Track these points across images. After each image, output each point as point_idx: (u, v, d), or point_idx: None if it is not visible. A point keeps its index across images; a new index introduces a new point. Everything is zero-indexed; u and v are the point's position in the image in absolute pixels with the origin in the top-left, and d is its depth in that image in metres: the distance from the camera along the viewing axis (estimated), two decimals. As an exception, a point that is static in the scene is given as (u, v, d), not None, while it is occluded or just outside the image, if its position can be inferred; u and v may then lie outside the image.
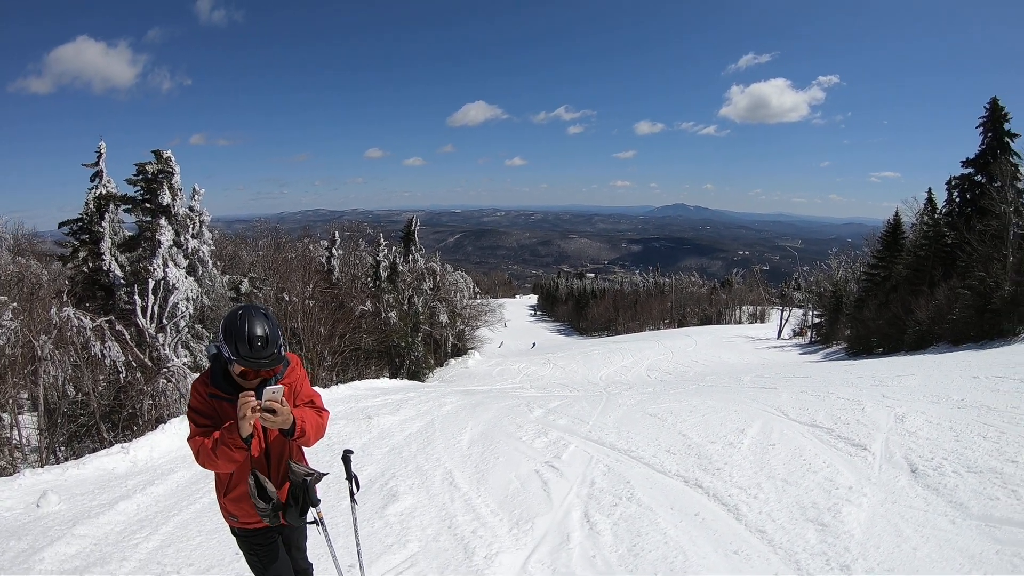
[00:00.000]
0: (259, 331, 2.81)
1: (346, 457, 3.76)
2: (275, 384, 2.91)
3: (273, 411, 2.80)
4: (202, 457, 2.89)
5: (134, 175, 20.65)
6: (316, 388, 12.28)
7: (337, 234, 36.55)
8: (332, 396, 15.80)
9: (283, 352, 2.94)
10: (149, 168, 20.57)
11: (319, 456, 7.75)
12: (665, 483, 6.21)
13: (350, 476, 3.67)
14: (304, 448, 3.36)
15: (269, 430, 3.03)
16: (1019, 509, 4.56)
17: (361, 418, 11.69)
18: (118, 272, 19.71)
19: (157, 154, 20.78)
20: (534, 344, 61.82)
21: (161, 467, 8.86)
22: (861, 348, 33.35)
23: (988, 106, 31.84)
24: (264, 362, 2.84)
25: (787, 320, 54.05)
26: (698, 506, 5.44)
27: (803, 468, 6.09)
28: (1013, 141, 31.08)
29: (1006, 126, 31.35)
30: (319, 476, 3.23)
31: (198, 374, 5.55)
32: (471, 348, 46.18)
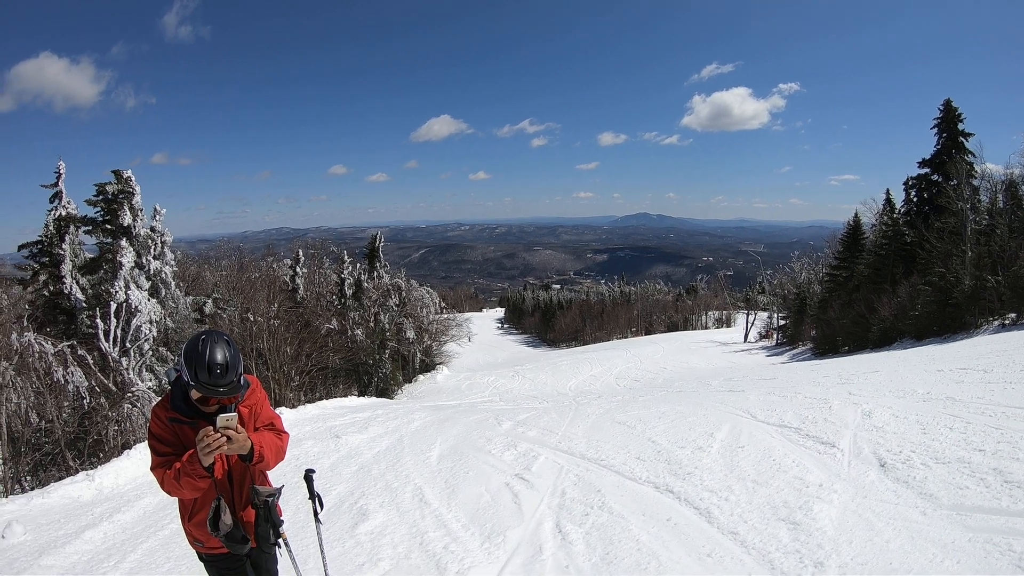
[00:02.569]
0: (219, 358, 2.82)
1: (308, 477, 3.74)
2: (233, 410, 2.93)
3: (229, 437, 2.82)
4: (167, 485, 2.91)
5: (94, 196, 20.34)
6: (283, 409, 12.10)
7: (301, 252, 36.06)
8: (300, 416, 15.64)
9: (242, 379, 2.96)
10: (109, 188, 20.26)
11: (287, 478, 7.62)
12: (636, 490, 6.18)
13: (313, 496, 3.65)
14: (267, 472, 3.35)
15: (230, 456, 3.05)
16: (988, 497, 4.64)
17: (329, 437, 11.56)
18: (80, 295, 19.22)
19: (117, 174, 20.48)
20: None
21: (127, 494, 8.76)
22: (827, 347, 34.05)
23: (942, 108, 33.11)
24: (222, 390, 2.85)
25: (753, 323, 54.84)
26: (670, 511, 5.42)
27: (773, 468, 6.12)
28: (967, 140, 32.40)
29: (960, 126, 32.65)
30: (278, 492, 3.24)
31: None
32: (439, 363, 45.95)
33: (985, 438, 5.98)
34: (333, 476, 8.54)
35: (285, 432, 3.32)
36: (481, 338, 77.31)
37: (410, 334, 40.80)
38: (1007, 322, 24.02)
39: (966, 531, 4.15)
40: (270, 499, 3.16)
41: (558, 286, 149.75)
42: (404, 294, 43.18)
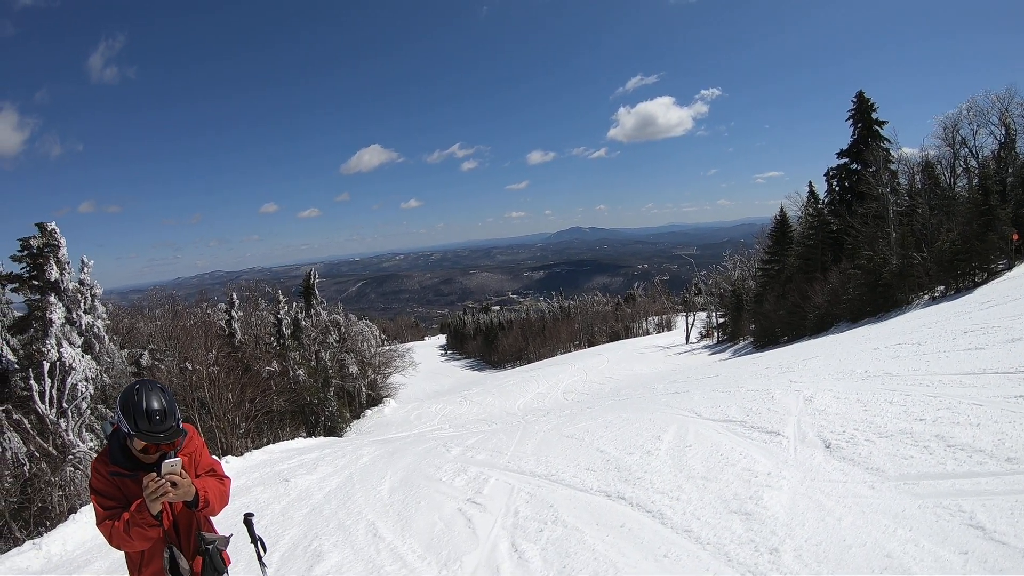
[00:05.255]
0: (156, 404, 2.89)
1: (247, 521, 3.72)
2: (174, 456, 2.96)
3: (174, 483, 2.85)
4: (116, 539, 2.91)
5: (18, 251, 19.67)
6: (230, 457, 11.82)
7: (235, 295, 35.34)
8: (246, 463, 15.53)
9: (180, 424, 3.01)
10: (34, 242, 19.62)
11: (237, 528, 7.35)
12: (588, 501, 6.16)
13: (255, 539, 3.64)
14: (212, 519, 3.40)
15: (175, 503, 3.06)
16: (933, 463, 4.77)
17: (278, 482, 11.42)
18: (11, 357, 18.55)
19: (41, 227, 19.84)
20: None
21: (77, 559, 8.66)
22: (767, 340, 35.03)
23: (855, 99, 35.21)
24: (163, 435, 2.90)
25: (693, 325, 55.86)
26: (623, 518, 5.41)
27: (721, 463, 6.16)
28: (882, 128, 34.51)
29: (874, 115, 34.71)
30: (225, 540, 3.27)
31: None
32: (386, 396, 45.54)
33: (925, 407, 6.16)
34: (285, 520, 8.40)
35: (227, 477, 3.35)
36: (425, 366, 76.73)
37: (353, 369, 40.36)
38: (936, 295, 25.27)
39: (915, 499, 4.24)
40: (211, 546, 3.16)
41: (498, 307, 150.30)
42: (343, 329, 42.84)
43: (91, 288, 21.23)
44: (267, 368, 32.38)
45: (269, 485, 11.29)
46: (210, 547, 3.15)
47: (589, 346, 73.08)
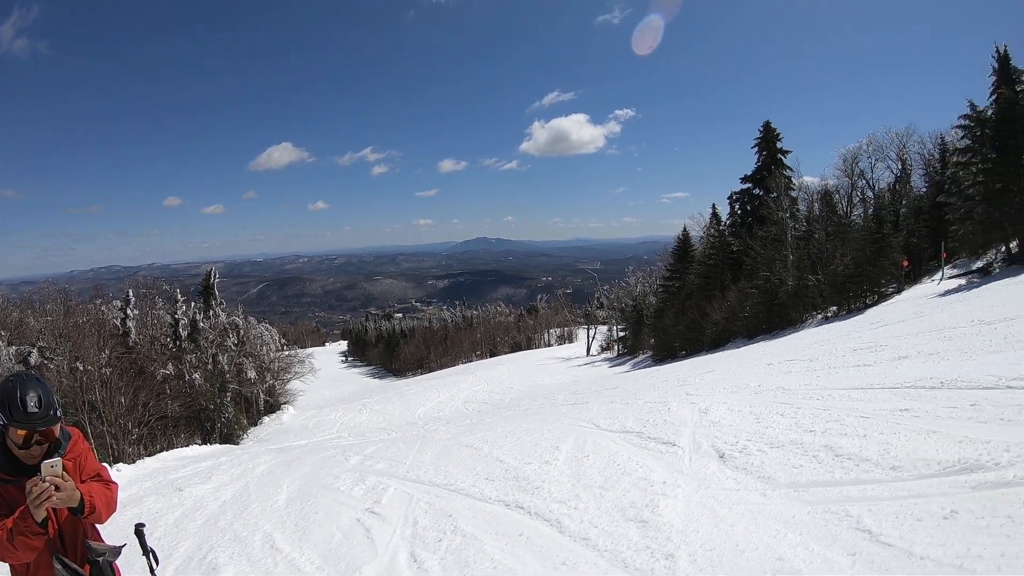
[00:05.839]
0: (31, 393, 2.75)
1: (139, 532, 3.47)
2: (55, 457, 2.80)
3: (57, 487, 2.67)
4: None
5: None
6: (121, 465, 11.15)
7: (131, 292, 33.63)
8: (138, 472, 15.07)
9: (58, 413, 2.85)
10: None
11: (130, 540, 6.92)
12: (487, 510, 6.14)
13: (146, 551, 3.41)
14: (99, 527, 3.21)
15: (59, 510, 2.87)
16: (821, 471, 4.96)
17: (172, 491, 10.97)
18: None
19: None
20: None
21: None
22: (665, 354, 36.09)
23: (762, 129, 37.40)
24: (39, 422, 2.76)
25: (594, 337, 56.84)
26: (521, 527, 5.41)
27: (618, 473, 6.22)
28: (785, 157, 36.81)
29: (778, 144, 36.74)
30: (116, 551, 3.09)
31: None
32: (284, 403, 44.66)
33: (814, 420, 6.41)
34: (179, 532, 8.04)
35: (113, 482, 3.17)
36: (326, 373, 75.27)
37: (251, 374, 39.12)
38: (829, 315, 26.83)
39: (805, 505, 4.38)
40: (101, 558, 2.99)
41: (400, 315, 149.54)
42: (243, 332, 41.43)
43: (-22, 278, 19.88)
44: (162, 371, 31.20)
45: (162, 495, 10.88)
46: (100, 559, 2.98)
47: (491, 356, 73.35)
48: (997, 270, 24.00)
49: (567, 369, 39.65)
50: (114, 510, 3.07)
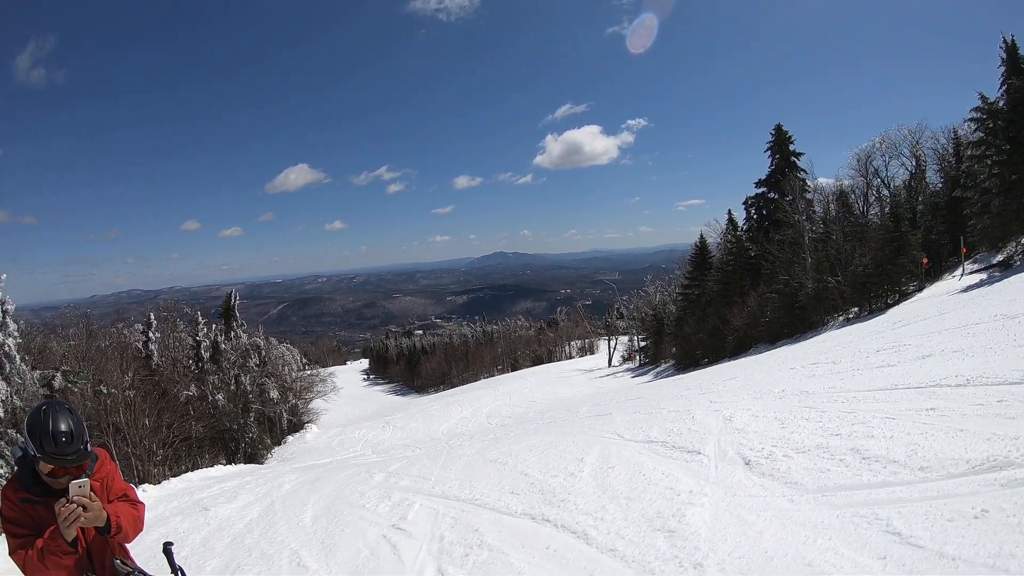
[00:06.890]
0: (63, 426, 2.79)
1: (167, 550, 3.52)
2: (83, 478, 2.85)
3: (84, 507, 2.75)
4: (30, 569, 2.84)
5: None
6: (147, 486, 11.31)
7: (153, 316, 34.02)
8: (163, 492, 15.18)
9: (89, 447, 2.93)
10: None
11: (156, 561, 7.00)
12: (513, 524, 6.14)
13: (175, 570, 3.45)
14: (127, 546, 3.30)
15: (87, 529, 2.95)
16: (849, 475, 4.91)
17: (197, 511, 11.12)
18: None
19: None
20: None
21: None
22: (688, 362, 35.90)
23: (774, 132, 37.08)
24: (70, 458, 2.82)
25: (615, 348, 56.55)
26: (548, 539, 5.41)
27: (644, 483, 6.20)
28: (799, 159, 36.62)
29: (791, 147, 36.62)
30: (143, 574, 3.16)
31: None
32: (307, 422, 44.76)
33: (840, 423, 6.36)
34: (206, 551, 8.16)
35: (140, 502, 3.27)
36: (348, 391, 75.44)
37: (274, 394, 39.49)
38: (850, 316, 26.57)
39: (833, 509, 4.35)
40: (130, 575, 3.08)
41: (420, 331, 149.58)
42: (264, 353, 41.79)
43: (2, 304, 20.15)
44: (185, 392, 31.42)
45: (188, 514, 11.01)
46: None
47: (513, 370, 73.12)
48: (1018, 262, 23.82)
49: (589, 381, 39.47)
50: (141, 529, 3.16)
